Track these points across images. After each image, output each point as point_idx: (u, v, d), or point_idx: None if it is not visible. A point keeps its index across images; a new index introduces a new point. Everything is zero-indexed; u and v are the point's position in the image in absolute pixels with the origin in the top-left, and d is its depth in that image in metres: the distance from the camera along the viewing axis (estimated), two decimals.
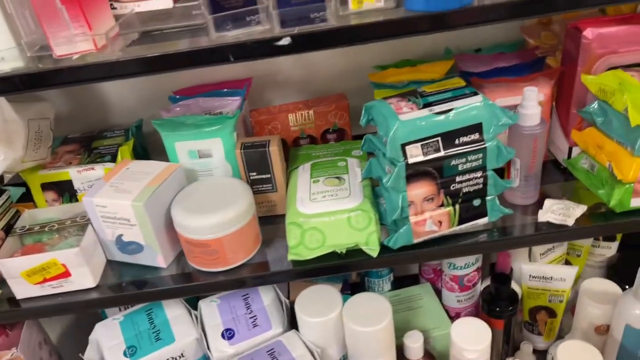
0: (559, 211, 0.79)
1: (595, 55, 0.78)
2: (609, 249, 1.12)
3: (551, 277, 1.00)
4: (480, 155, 0.74)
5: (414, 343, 0.89)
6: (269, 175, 0.85)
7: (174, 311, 0.91)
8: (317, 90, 1.03)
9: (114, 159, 0.89)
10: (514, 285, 1.03)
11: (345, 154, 0.90)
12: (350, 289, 1.15)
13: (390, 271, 1.10)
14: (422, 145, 0.71)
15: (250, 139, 0.85)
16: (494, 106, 0.72)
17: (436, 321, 1.01)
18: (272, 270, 0.78)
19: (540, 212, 0.80)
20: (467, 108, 0.72)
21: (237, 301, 0.92)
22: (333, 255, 0.78)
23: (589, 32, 0.77)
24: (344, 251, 0.77)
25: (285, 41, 0.56)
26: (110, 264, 0.84)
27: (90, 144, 0.94)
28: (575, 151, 0.87)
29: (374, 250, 0.77)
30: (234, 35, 0.60)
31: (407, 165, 0.72)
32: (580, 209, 0.79)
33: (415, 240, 0.77)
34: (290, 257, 0.77)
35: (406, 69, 0.92)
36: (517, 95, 0.83)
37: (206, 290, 0.80)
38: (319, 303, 0.84)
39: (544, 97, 0.84)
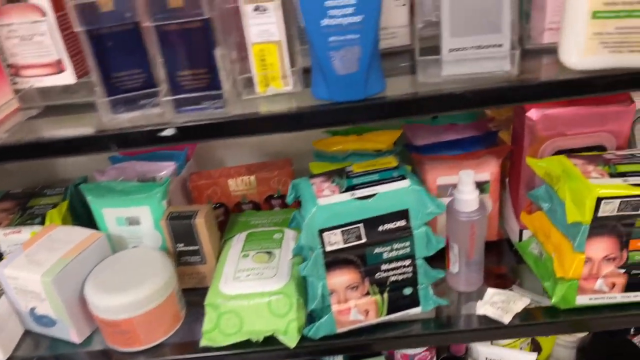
0: (498, 304, 0.72)
1: (541, 137, 0.72)
2: None
3: None
4: (407, 243, 0.68)
5: None
6: (196, 247, 0.81)
7: None
8: (270, 152, 1.00)
9: (43, 221, 0.86)
10: None
11: (285, 224, 0.86)
12: None
13: None
14: (342, 231, 0.66)
15: (178, 208, 0.82)
16: (421, 192, 0.67)
17: None
18: (195, 349, 0.73)
19: (479, 303, 0.74)
20: (392, 193, 0.67)
21: None
22: (250, 342, 0.73)
23: (533, 113, 0.71)
24: (260, 339, 0.72)
25: (169, 132, 0.53)
26: (29, 334, 0.80)
27: (28, 202, 0.92)
28: (526, 234, 0.81)
29: (291, 341, 0.71)
30: (128, 118, 0.57)
31: (325, 253, 0.67)
32: (522, 303, 0.73)
33: (339, 330, 0.72)
34: (204, 342, 0.72)
35: (352, 136, 0.87)
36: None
37: None
38: None
39: (490, 176, 0.78)
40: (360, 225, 0.66)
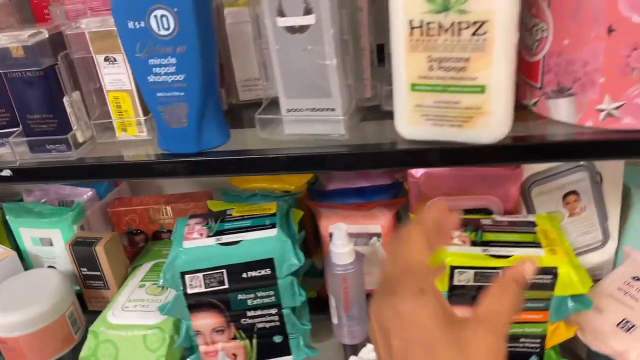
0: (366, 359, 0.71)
1: (425, 195, 0.71)
2: None
3: None
4: (272, 292, 0.68)
5: None
6: (99, 273, 0.84)
7: None
8: (205, 182, 1.02)
9: None
10: None
11: None
12: None
13: None
14: (203, 275, 0.67)
15: (85, 234, 0.85)
16: (286, 243, 0.67)
17: None
18: None
19: (352, 358, 0.72)
20: (257, 242, 0.67)
21: None
22: None
23: (416, 171, 0.70)
24: None
25: (6, 173, 0.56)
26: None
27: None
28: None
29: None
30: None
31: (187, 295, 0.68)
32: None
33: None
34: None
35: (265, 176, 0.88)
36: (355, 223, 0.76)
37: None
38: None
39: (381, 229, 0.77)
40: (224, 270, 0.67)
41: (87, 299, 0.87)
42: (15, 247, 0.89)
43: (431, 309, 0.36)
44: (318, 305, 0.78)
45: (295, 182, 0.86)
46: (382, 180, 0.83)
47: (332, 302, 0.74)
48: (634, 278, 0.71)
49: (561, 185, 0.72)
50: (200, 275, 0.67)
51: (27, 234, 0.87)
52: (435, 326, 0.35)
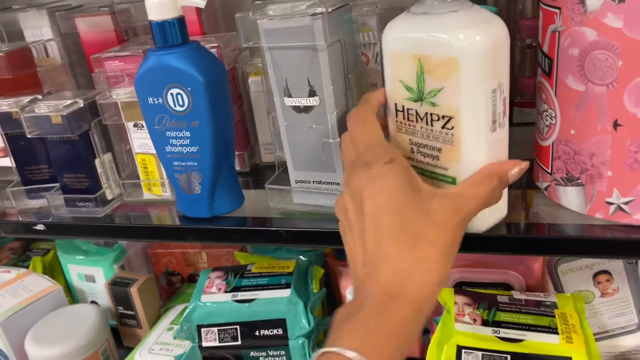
0: None
1: None
2: None
3: None
4: (283, 352, 0.69)
5: None
6: (133, 312, 0.88)
7: None
8: None
9: (29, 266, 0.99)
10: None
11: None
12: None
13: None
14: (218, 330, 0.70)
15: (124, 274, 0.90)
16: (298, 304, 0.68)
17: None
18: None
19: None
20: (271, 301, 0.69)
21: None
22: None
23: None
24: None
25: (40, 227, 0.61)
26: None
27: (31, 244, 1.07)
28: None
29: None
30: (32, 204, 0.67)
31: (202, 348, 0.70)
32: None
33: None
34: None
35: None
36: None
37: None
38: None
39: None
40: (237, 327, 0.69)
41: (123, 336, 0.92)
42: (65, 281, 0.96)
43: (401, 176, 0.39)
44: None
45: None
46: None
47: None
48: None
49: (591, 263, 0.68)
50: (216, 329, 0.70)
51: (74, 270, 0.93)
52: (405, 191, 0.39)
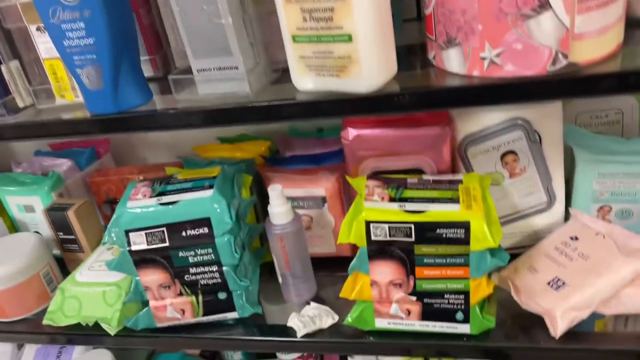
0: (306, 318, 0.73)
1: (358, 156, 0.72)
2: None
3: None
4: (210, 250, 0.72)
5: None
6: (73, 237, 0.90)
7: (3, 347, 0.99)
8: (187, 153, 1.07)
9: None
10: None
11: None
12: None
13: None
14: (145, 233, 0.72)
15: (61, 200, 0.91)
16: (220, 203, 0.70)
17: None
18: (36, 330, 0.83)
19: (292, 314, 0.75)
20: (194, 202, 0.71)
21: (53, 350, 0.98)
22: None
23: (348, 133, 0.71)
24: (90, 324, 0.79)
25: None
26: None
27: None
28: None
29: (112, 329, 0.77)
30: None
31: (131, 252, 0.72)
32: (330, 320, 0.73)
33: (159, 325, 0.77)
34: (45, 321, 0.81)
35: (227, 145, 0.92)
36: (297, 187, 0.79)
37: None
38: None
39: (325, 192, 0.79)
40: (164, 229, 0.71)
41: (67, 262, 0.94)
42: (7, 215, 0.97)
43: None
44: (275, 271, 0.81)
45: (256, 150, 0.89)
46: (334, 146, 0.84)
47: (275, 262, 0.76)
48: (571, 238, 0.70)
49: (497, 145, 0.71)
50: (143, 233, 0.71)
51: (13, 201, 0.94)
52: None
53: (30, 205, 0.93)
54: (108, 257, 0.85)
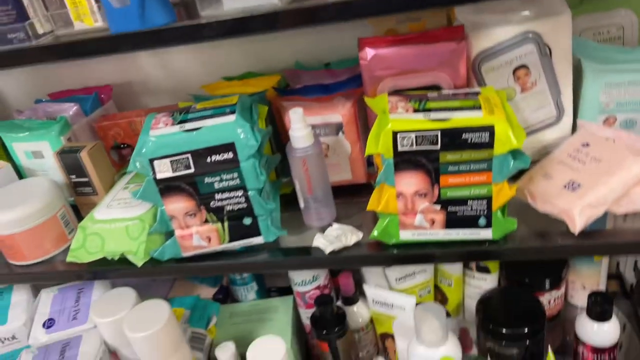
0: (331, 237, 0.76)
1: (376, 76, 0.74)
2: (484, 281, 1.04)
3: (392, 304, 0.95)
4: (236, 174, 0.73)
5: (223, 354, 0.90)
6: (86, 179, 0.90)
7: (19, 296, 0.99)
8: (186, 98, 1.06)
9: None
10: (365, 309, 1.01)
11: None
12: (225, 293, 1.18)
13: (253, 280, 1.11)
14: (170, 161, 0.72)
15: (71, 143, 0.91)
16: (244, 127, 0.71)
17: (276, 334, 1.00)
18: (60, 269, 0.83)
19: (316, 235, 0.77)
20: (218, 127, 0.71)
21: (71, 293, 0.98)
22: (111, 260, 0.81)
23: (366, 53, 0.73)
24: (115, 258, 0.80)
25: None
26: None
27: None
28: None
29: (139, 260, 0.79)
30: None
31: (157, 180, 0.73)
32: (355, 237, 0.75)
33: (185, 254, 0.78)
34: (69, 259, 0.81)
35: (236, 82, 0.92)
36: (312, 115, 0.80)
37: (5, 281, 0.87)
38: (112, 305, 0.88)
39: (342, 118, 0.80)
40: (189, 155, 0.72)
41: (80, 207, 0.94)
42: (13, 164, 0.96)
43: None
44: (294, 202, 0.82)
45: (266, 85, 0.89)
46: (348, 75, 0.86)
47: (297, 186, 0.78)
48: (583, 145, 0.73)
49: (509, 60, 0.73)
50: (168, 160, 0.72)
51: (20, 148, 0.93)
52: None
53: (38, 151, 0.92)
54: (125, 195, 0.85)
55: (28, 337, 0.92)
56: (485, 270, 1.03)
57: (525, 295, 0.96)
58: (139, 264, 0.79)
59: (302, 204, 0.80)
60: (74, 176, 0.90)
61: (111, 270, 0.81)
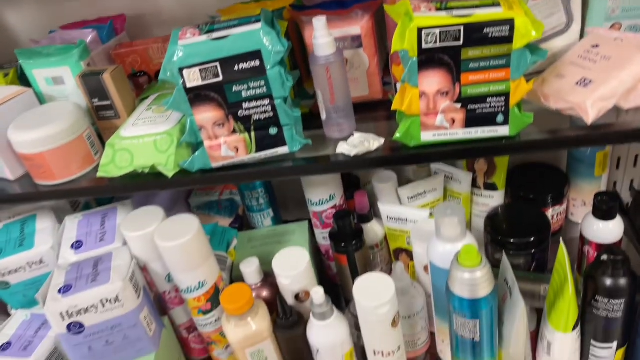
0: (354, 143, 0.79)
1: None
2: (491, 198, 1.09)
3: (406, 219, 1.00)
4: (263, 82, 0.76)
5: (248, 268, 0.95)
6: (109, 102, 0.92)
7: (43, 223, 1.02)
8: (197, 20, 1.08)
9: None
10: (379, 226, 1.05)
11: None
12: (241, 223, 1.22)
13: (269, 206, 1.15)
14: (199, 69, 0.75)
15: (93, 68, 0.92)
16: (271, 34, 0.73)
17: None
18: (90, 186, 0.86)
19: (340, 143, 0.81)
20: (245, 35, 0.74)
21: (96, 218, 1.01)
22: (141, 174, 0.84)
23: None
24: (146, 171, 0.83)
25: None
26: None
27: None
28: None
29: (169, 171, 0.82)
30: None
31: (187, 89, 0.75)
32: (377, 142, 0.79)
33: (214, 165, 0.81)
34: (100, 174, 0.84)
35: (252, 4, 0.94)
36: (335, 28, 0.83)
37: (35, 199, 0.90)
38: (141, 221, 0.91)
39: (361, 30, 0.83)
40: (217, 64, 0.74)
41: (102, 131, 0.96)
42: (34, 92, 0.97)
43: None
44: (311, 122, 0.85)
45: (280, 4, 0.91)
46: None
47: (320, 97, 0.81)
48: (593, 46, 0.77)
49: None
50: (197, 69, 0.74)
51: (41, 75, 0.94)
52: None
53: (59, 76, 0.94)
54: (150, 115, 0.88)
55: (57, 258, 0.95)
56: (493, 187, 1.08)
57: (530, 209, 1.01)
58: (170, 174, 0.82)
59: (323, 116, 0.83)
60: (96, 99, 0.92)
61: (141, 183, 0.84)
